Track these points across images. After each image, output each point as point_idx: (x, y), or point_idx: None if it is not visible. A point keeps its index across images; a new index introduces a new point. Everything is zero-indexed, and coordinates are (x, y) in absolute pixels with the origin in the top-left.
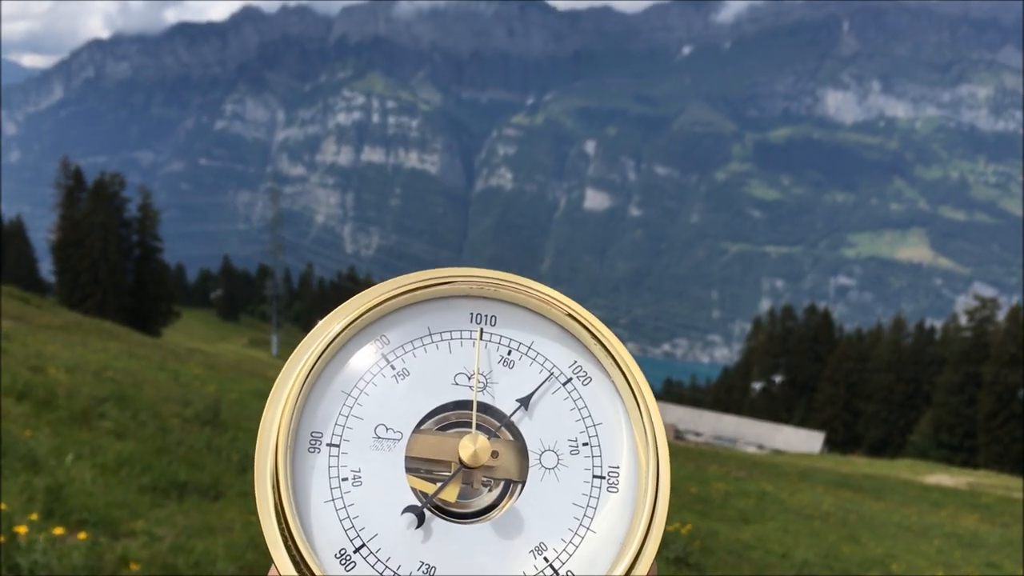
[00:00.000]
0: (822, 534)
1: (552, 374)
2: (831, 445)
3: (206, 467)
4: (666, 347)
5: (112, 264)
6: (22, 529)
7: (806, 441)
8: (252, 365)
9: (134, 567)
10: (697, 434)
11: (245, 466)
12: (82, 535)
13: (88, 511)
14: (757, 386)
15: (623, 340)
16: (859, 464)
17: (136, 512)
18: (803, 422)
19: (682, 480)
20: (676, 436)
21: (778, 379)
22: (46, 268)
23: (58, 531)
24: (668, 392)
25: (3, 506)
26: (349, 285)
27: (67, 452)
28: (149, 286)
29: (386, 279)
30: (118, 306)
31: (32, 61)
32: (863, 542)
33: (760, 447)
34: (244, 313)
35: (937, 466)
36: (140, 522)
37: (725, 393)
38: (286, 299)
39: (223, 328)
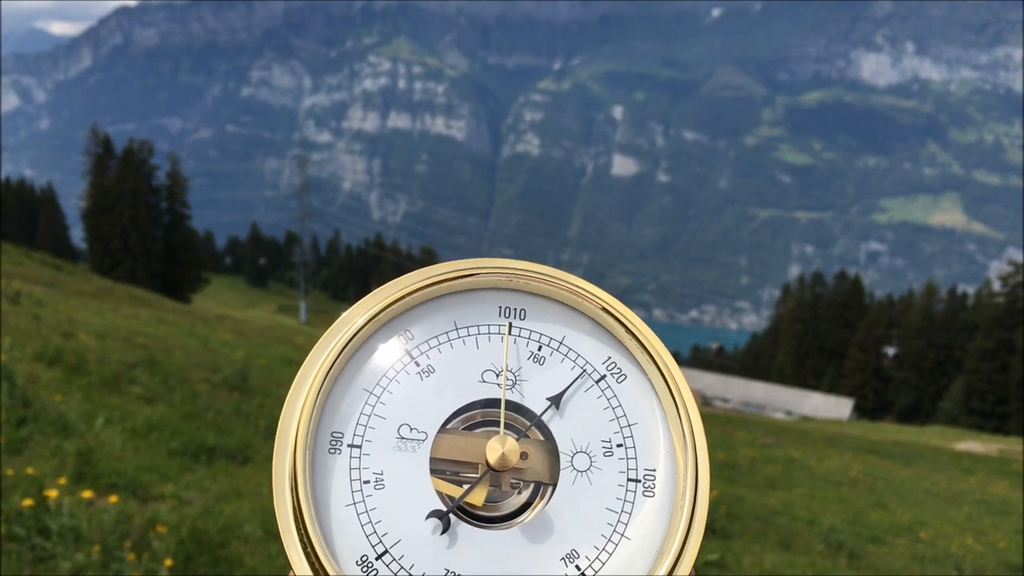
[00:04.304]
0: (849, 500)
1: (585, 371)
2: (861, 412)
3: (234, 432)
4: (694, 313)
5: (142, 231)
6: (52, 492)
7: (835, 407)
8: (280, 331)
9: (163, 530)
10: (725, 400)
11: (273, 431)
12: (112, 498)
13: (118, 475)
14: (891, 351)
15: (650, 307)
16: (888, 431)
17: (165, 476)
18: (832, 389)
19: (709, 447)
20: (704, 402)
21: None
22: (77, 235)
23: (88, 495)
24: (696, 358)
25: (31, 470)
26: (376, 251)
27: (97, 417)
28: (179, 253)
29: (413, 245)
30: (148, 272)
31: (60, 29)
32: (891, 508)
33: (788, 413)
34: (272, 280)
35: (968, 433)
36: (169, 486)
37: (753, 359)
38: (314, 266)
39: (252, 294)
